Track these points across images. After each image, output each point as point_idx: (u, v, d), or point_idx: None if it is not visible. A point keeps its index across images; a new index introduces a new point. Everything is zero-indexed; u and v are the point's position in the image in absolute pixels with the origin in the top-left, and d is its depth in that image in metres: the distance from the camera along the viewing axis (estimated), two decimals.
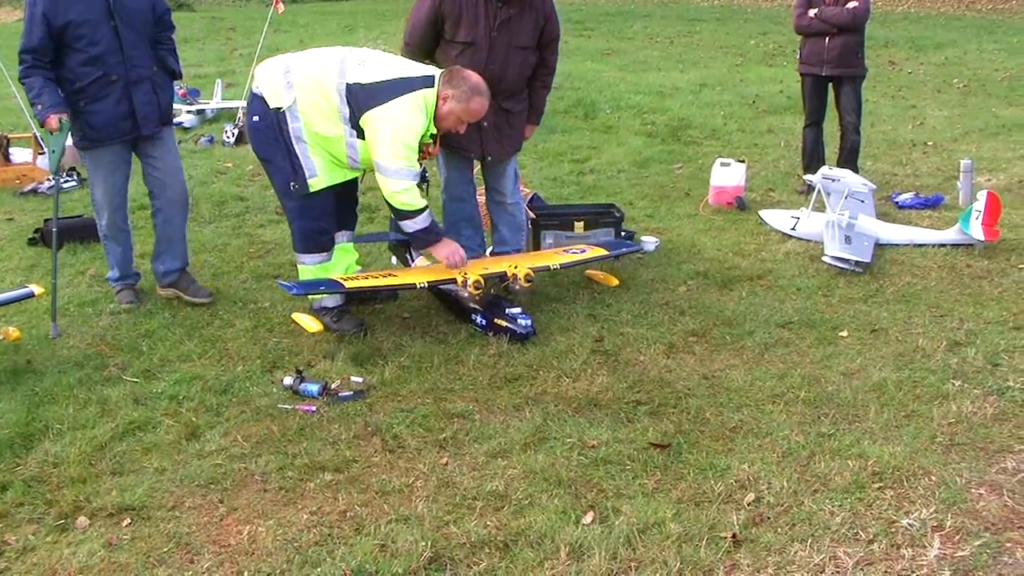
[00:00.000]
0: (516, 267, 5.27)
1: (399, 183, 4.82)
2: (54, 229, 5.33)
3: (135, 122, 5.31)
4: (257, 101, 5.01)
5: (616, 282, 5.85)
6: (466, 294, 5.13)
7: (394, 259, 6.17)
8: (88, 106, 5.21)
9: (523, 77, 5.56)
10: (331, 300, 5.27)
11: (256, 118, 5.00)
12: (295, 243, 5.26)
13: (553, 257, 5.70)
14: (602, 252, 5.82)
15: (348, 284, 5.11)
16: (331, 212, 5.17)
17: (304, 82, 4.88)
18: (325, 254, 5.24)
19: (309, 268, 5.24)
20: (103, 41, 5.14)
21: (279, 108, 4.89)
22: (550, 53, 5.62)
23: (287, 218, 5.29)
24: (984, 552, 3.27)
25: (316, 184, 4.97)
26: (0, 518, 3.58)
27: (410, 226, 5.00)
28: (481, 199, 6.13)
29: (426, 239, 5.09)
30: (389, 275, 5.42)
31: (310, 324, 5.23)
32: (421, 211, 4.94)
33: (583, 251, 5.81)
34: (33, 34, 5.06)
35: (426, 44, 5.48)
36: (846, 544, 3.33)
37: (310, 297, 5.32)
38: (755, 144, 10.09)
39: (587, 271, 6.02)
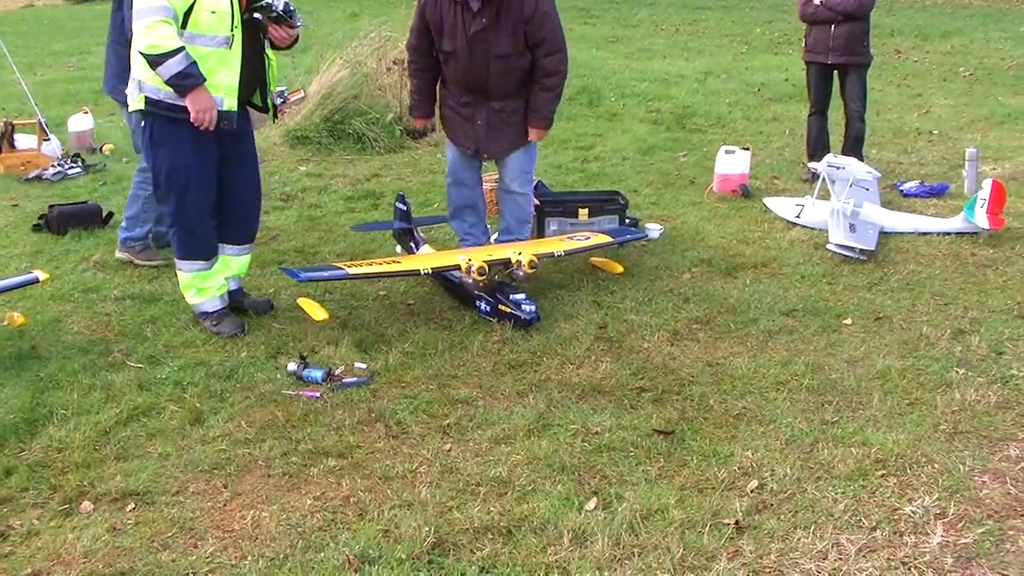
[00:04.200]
0: (520, 253, 5.27)
1: (142, 23, 4.45)
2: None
3: None
4: (136, 118, 4.93)
5: (620, 269, 5.84)
6: (470, 280, 5.13)
7: (398, 247, 6.17)
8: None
9: (512, 81, 5.44)
10: (211, 304, 5.07)
11: (143, 124, 4.85)
12: (175, 248, 5.04)
13: (557, 244, 5.70)
14: (606, 239, 5.82)
15: (352, 271, 5.12)
16: (209, 218, 4.99)
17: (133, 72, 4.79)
18: (204, 262, 5.03)
19: (186, 275, 5.03)
20: None
21: (142, 105, 4.76)
22: (543, 55, 5.38)
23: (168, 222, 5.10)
24: (987, 539, 3.27)
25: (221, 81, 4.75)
26: (5, 503, 3.60)
27: (164, 72, 4.49)
28: (490, 186, 6.12)
29: (182, 84, 4.53)
30: (393, 262, 5.42)
31: (315, 310, 5.23)
32: (174, 53, 4.45)
33: (587, 238, 5.80)
34: None
35: (424, 46, 5.57)
36: (849, 531, 3.33)
37: (188, 301, 5.12)
38: (760, 132, 10.06)
39: (591, 258, 6.01)
